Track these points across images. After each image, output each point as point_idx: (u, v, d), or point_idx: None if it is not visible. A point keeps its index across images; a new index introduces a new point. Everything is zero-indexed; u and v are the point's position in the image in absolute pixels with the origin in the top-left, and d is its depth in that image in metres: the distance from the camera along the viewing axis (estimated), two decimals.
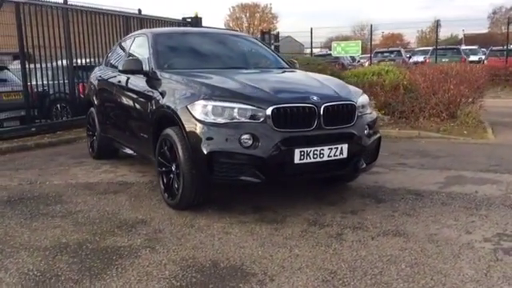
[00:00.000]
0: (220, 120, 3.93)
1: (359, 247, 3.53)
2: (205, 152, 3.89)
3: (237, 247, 3.54)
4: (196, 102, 4.04)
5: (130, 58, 5.39)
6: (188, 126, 4.03)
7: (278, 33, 20.28)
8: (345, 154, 4.15)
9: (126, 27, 10.99)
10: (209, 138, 3.91)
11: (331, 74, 10.18)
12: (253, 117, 3.93)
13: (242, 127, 3.90)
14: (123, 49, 6.11)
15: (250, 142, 3.87)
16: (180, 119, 4.10)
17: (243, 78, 4.50)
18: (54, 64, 9.71)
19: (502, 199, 4.64)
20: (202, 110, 3.98)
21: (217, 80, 4.43)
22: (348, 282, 3.01)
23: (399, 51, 25.24)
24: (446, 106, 9.62)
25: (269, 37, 18.34)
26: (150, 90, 4.76)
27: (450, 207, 4.43)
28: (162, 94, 4.49)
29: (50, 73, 9.62)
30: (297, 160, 3.94)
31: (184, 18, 13.53)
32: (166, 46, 5.29)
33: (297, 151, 3.93)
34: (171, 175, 4.35)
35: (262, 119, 3.92)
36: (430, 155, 6.83)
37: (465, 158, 6.61)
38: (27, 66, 8.83)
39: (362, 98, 4.59)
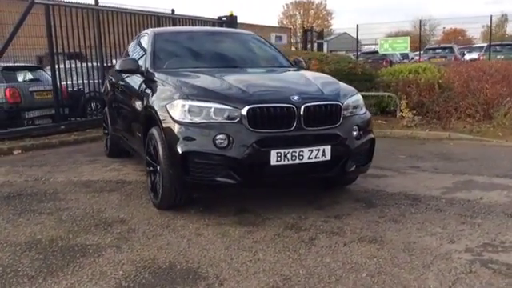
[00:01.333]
0: (196, 120, 3.90)
1: (326, 253, 3.40)
2: (180, 152, 3.87)
3: (201, 249, 3.49)
4: (174, 102, 4.03)
5: (127, 57, 5.45)
6: (166, 126, 4.02)
7: (323, 30, 20.06)
8: (328, 156, 4.01)
9: (157, 26, 11.14)
10: (184, 138, 3.89)
11: (361, 73, 9.95)
12: (229, 117, 3.87)
13: (217, 127, 3.84)
14: (131, 49, 6.20)
15: (226, 143, 3.81)
16: (159, 118, 4.11)
17: (232, 77, 4.44)
18: (89, 64, 10.02)
19: (505, 207, 4.34)
20: (179, 109, 3.96)
21: (202, 80, 4.40)
22: (292, 285, 2.90)
23: (451, 48, 24.19)
24: (481, 106, 9.13)
25: (311, 34, 18.16)
26: (144, 89, 4.79)
27: (443, 214, 4.19)
28: (151, 94, 4.51)
29: (84, 72, 9.92)
30: (273, 162, 3.84)
31: (220, 17, 13.59)
32: (164, 46, 5.32)
33: (273, 152, 3.83)
34: (157, 175, 4.35)
35: (237, 119, 3.85)
36: (451, 158, 6.50)
37: (488, 161, 6.24)
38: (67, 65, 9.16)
39: (353, 98, 4.42)
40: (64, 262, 3.29)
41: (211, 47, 5.48)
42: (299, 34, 54.42)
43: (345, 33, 49.57)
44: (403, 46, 18.99)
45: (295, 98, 3.97)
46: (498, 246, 3.49)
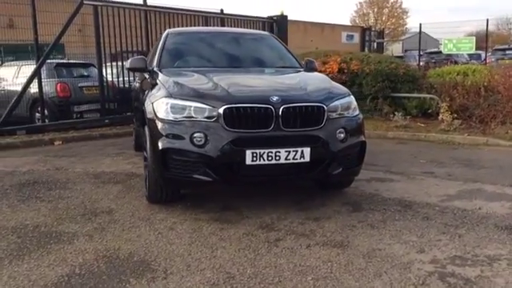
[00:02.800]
0: (177, 118, 4.02)
1: (284, 255, 3.41)
2: (160, 148, 4.02)
3: (166, 243, 3.62)
4: (159, 100, 4.18)
5: (137, 56, 5.68)
6: (151, 123, 4.19)
7: (383, 29, 19.56)
8: (307, 158, 4.00)
9: (205, 26, 11.40)
10: (165, 135, 4.03)
11: (404, 74, 9.67)
12: (208, 116, 3.96)
13: (195, 126, 3.95)
14: (154, 48, 6.43)
15: (203, 141, 3.91)
16: (146, 116, 4.27)
17: (223, 77, 4.52)
18: None
19: (500, 219, 4.13)
20: (162, 107, 4.10)
21: (191, 79, 4.52)
22: (233, 285, 2.96)
23: None
24: None
25: (369, 33, 17.77)
26: (147, 87, 4.99)
27: (427, 223, 4.05)
28: (149, 92, 4.69)
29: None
30: (249, 161, 3.89)
31: (270, 17, 13.67)
32: (173, 46, 5.49)
33: (248, 152, 3.88)
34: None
35: (215, 118, 3.93)
36: (474, 165, 6.21)
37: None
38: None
39: (342, 101, 4.37)
40: (35, 247, 3.53)
41: (220, 48, 5.59)
42: (372, 33, 53.21)
43: (422, 32, 47.84)
44: (468, 46, 18.11)
45: (274, 98, 3.99)
46: (469, 260, 3.34)
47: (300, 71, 5.30)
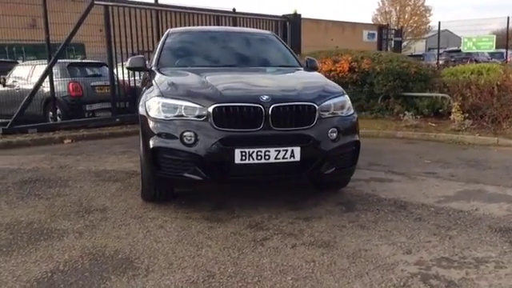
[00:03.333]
0: (168, 117, 4.05)
1: (268, 254, 3.41)
2: (151, 147, 4.05)
3: (153, 241, 3.65)
4: (151, 99, 4.22)
5: (136, 55, 5.72)
6: (143, 121, 4.22)
7: (401, 28, 19.31)
8: (297, 158, 3.98)
9: (217, 25, 11.44)
10: (156, 134, 4.05)
11: (415, 73, 9.55)
12: (198, 115, 3.97)
13: (185, 125, 3.97)
14: (156, 46, 6.48)
15: (192, 140, 3.92)
16: (140, 114, 4.31)
17: (216, 77, 4.55)
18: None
19: (495, 221, 4.05)
20: (154, 106, 4.14)
21: (185, 79, 4.54)
22: (214, 285, 2.96)
23: None
24: None
25: (386, 32, 17.58)
26: (145, 86, 5.03)
27: (419, 224, 4.00)
28: (145, 91, 4.73)
29: None
30: (238, 160, 3.89)
31: (284, 16, 13.64)
32: (172, 45, 5.52)
33: (237, 151, 3.88)
34: None
35: (204, 117, 3.94)
36: (481, 165, 6.10)
37: None
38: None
39: (336, 100, 4.34)
40: (25, 244, 3.60)
41: (219, 47, 5.60)
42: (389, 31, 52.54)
43: (446, 30, 47.17)
44: (488, 44, 17.78)
45: (264, 98, 3.98)
46: (455, 262, 3.29)
47: (299, 70, 5.27)
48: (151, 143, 4.04)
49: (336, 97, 4.39)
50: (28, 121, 9.16)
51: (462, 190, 4.96)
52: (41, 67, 9.48)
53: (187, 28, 7.28)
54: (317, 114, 4.09)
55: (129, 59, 5.46)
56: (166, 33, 5.81)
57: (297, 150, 3.97)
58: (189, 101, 4.03)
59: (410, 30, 53.91)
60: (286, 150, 3.95)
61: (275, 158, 3.94)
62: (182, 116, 4.01)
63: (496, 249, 3.48)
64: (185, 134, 3.92)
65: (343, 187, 4.93)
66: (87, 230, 3.89)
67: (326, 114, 4.21)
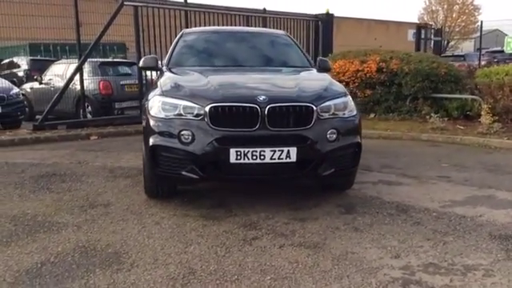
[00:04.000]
0: (168, 116, 4.13)
1: (254, 253, 3.43)
2: (150, 144, 4.14)
3: (145, 237, 3.73)
4: (153, 98, 4.32)
5: (150, 55, 5.84)
6: (145, 120, 4.32)
7: (441, 27, 18.82)
8: (293, 158, 3.98)
9: (246, 25, 11.50)
10: (156, 132, 4.15)
11: (445, 73, 9.35)
12: (196, 114, 4.04)
13: (183, 124, 4.04)
14: None
15: (190, 139, 3.99)
16: (143, 112, 4.41)
17: (219, 77, 4.63)
18: None
19: (497, 228, 3.94)
20: (155, 105, 4.23)
21: (189, 79, 4.62)
22: (192, 282, 3.01)
23: None
24: None
25: (425, 32, 17.16)
26: (154, 86, 5.15)
27: (416, 228, 3.93)
28: (152, 90, 4.83)
29: None
30: (233, 160, 3.93)
31: (316, 15, 13.57)
32: (185, 45, 5.61)
33: (232, 151, 3.92)
34: None
35: (201, 117, 4.00)
36: (498, 171, 5.92)
37: None
38: None
39: (336, 101, 4.31)
40: (25, 235, 3.76)
41: (228, 47, 5.64)
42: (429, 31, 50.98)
43: (496, 29, 45.66)
44: None
45: (261, 98, 4.00)
46: (443, 268, 3.22)
47: (308, 71, 5.25)
48: (151, 141, 4.14)
49: (337, 98, 4.36)
50: (62, 118, 9.52)
51: (472, 195, 4.82)
52: (74, 66, 9.81)
53: (201, 28, 7.36)
54: (314, 115, 4.07)
55: (142, 59, 5.57)
56: (180, 33, 5.91)
57: (293, 150, 3.97)
58: (188, 100, 4.10)
59: (457, 30, 52.32)
60: (282, 151, 3.95)
61: (271, 158, 3.95)
62: (181, 115, 4.08)
63: (489, 257, 3.38)
64: (182, 132, 3.99)
65: (348, 189, 4.88)
66: (86, 224, 4.01)
67: (326, 115, 4.19)
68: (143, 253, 3.44)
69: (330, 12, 13.61)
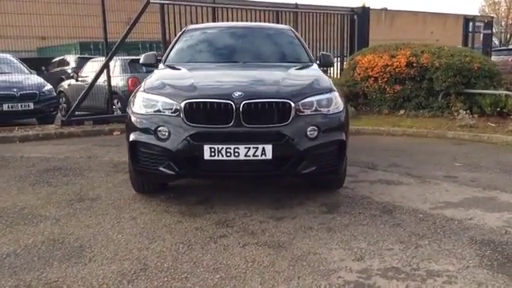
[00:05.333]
0: (148, 112, 4.16)
1: (214, 251, 3.40)
2: (130, 140, 4.19)
3: (115, 232, 3.78)
4: (136, 94, 4.36)
5: (150, 52, 5.89)
6: (128, 116, 4.37)
7: (492, 19, 17.84)
8: (269, 155, 3.92)
9: (276, 21, 11.42)
10: (135, 128, 4.19)
11: (479, 68, 8.95)
12: (173, 110, 4.04)
13: (160, 120, 4.06)
14: None
15: (166, 135, 4.01)
16: (127, 109, 4.47)
17: (203, 73, 4.71)
18: None
19: (483, 232, 3.72)
20: (137, 101, 4.28)
21: (175, 75, 4.67)
22: (140, 278, 3.02)
23: None
24: None
25: (473, 24, 16.34)
26: None
27: (394, 230, 3.77)
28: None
29: None
30: (207, 156, 3.91)
31: (352, 9, 13.28)
32: (184, 41, 5.63)
33: (206, 147, 3.90)
34: None
35: (177, 113, 4.01)
36: None
37: None
38: None
39: (319, 97, 4.19)
40: (5, 227, 3.90)
41: (225, 43, 5.59)
42: (503, 23, 48.86)
43: None
44: None
45: (236, 94, 3.95)
46: (403, 273, 3.07)
47: (304, 66, 5.13)
48: (131, 137, 4.19)
49: (321, 94, 4.24)
50: (95, 114, 9.83)
51: (471, 197, 4.57)
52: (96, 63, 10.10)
53: (203, 24, 7.33)
54: (292, 112, 3.98)
55: (143, 55, 5.64)
56: (182, 30, 5.93)
57: (268, 147, 3.90)
58: (166, 96, 4.11)
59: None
60: (257, 148, 3.89)
61: (245, 156, 3.90)
62: (160, 111, 4.09)
63: (459, 262, 3.19)
64: (159, 129, 4.01)
65: (338, 188, 4.75)
66: (66, 217, 4.11)
67: (308, 112, 4.09)
68: (106, 248, 3.48)
69: (367, 5, 13.25)
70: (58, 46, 19.21)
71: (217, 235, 3.69)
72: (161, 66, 5.24)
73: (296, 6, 11.95)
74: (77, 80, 11.52)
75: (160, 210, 4.28)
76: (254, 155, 3.90)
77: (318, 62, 5.48)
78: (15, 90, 9.38)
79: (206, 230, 3.81)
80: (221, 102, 3.93)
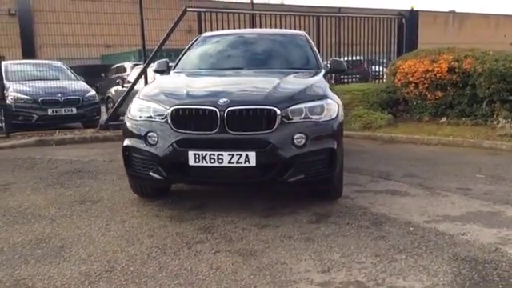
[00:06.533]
0: (142, 117, 4.28)
1: (184, 257, 3.43)
2: (123, 145, 4.32)
3: (99, 234, 3.90)
4: (133, 100, 4.49)
5: (163, 59, 6.01)
6: (123, 121, 4.51)
7: None
8: (252, 163, 3.91)
9: (317, 27, 11.34)
10: (129, 133, 4.32)
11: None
12: (162, 116, 4.13)
13: (151, 126, 4.16)
14: None
15: (155, 141, 4.10)
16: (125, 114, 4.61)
17: (199, 79, 4.81)
18: None
19: (469, 249, 3.52)
20: (133, 107, 4.41)
21: (173, 81, 4.76)
22: (102, 280, 3.10)
23: None
24: None
25: None
26: None
27: (375, 242, 3.64)
28: None
29: None
30: (192, 162, 3.96)
31: (400, 12, 12.93)
32: (195, 48, 5.73)
33: (191, 153, 3.95)
34: None
35: (165, 119, 4.09)
36: None
37: None
38: None
39: (309, 104, 4.13)
40: (4, 225, 4.13)
41: (236, 50, 5.64)
42: None
43: None
44: None
45: (222, 101, 3.97)
46: None
47: (308, 73, 5.05)
48: (125, 142, 4.32)
49: (313, 101, 4.18)
50: None
51: (475, 211, 4.32)
52: (149, 69, 10.40)
53: (218, 32, 7.37)
54: (278, 119, 3.95)
55: (156, 62, 5.79)
56: (196, 37, 6.03)
57: (252, 154, 3.89)
58: (157, 103, 4.20)
59: None
60: (240, 155, 3.89)
61: (229, 162, 3.91)
62: (151, 117, 4.19)
63: (430, 280, 3.04)
64: (149, 134, 4.11)
65: (337, 197, 4.65)
66: (62, 218, 4.29)
67: (297, 119, 4.05)
68: (84, 249, 3.60)
69: (416, 8, 12.86)
70: (119, 53, 20.05)
71: (194, 241, 3.71)
72: (171, 72, 5.35)
73: (339, 10, 11.78)
74: (122, 86, 11.94)
75: (151, 213, 4.36)
76: (237, 162, 3.90)
77: (328, 68, 5.39)
78: (59, 95, 9.88)
79: (187, 235, 3.84)
80: (205, 109, 3.97)
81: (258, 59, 5.43)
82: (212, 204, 4.57)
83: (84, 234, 3.91)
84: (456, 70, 9.30)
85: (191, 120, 4.00)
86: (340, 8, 11.90)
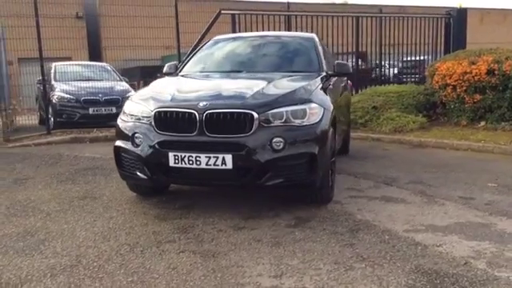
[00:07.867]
0: (130, 119, 4.45)
1: (148, 256, 3.52)
2: (114, 145, 4.52)
3: (82, 230, 4.09)
4: (127, 102, 4.68)
5: (174, 62, 6.15)
6: (117, 122, 4.70)
7: None
8: (229, 165, 3.98)
9: (356, 28, 11.17)
10: (120, 134, 4.50)
11: None
12: (148, 118, 4.28)
13: (138, 127, 4.32)
14: None
15: (140, 141, 4.26)
16: None
17: (191, 82, 4.96)
18: None
19: (437, 261, 3.41)
20: (125, 108, 4.60)
21: (167, 84, 4.89)
22: (63, 273, 3.27)
23: None
24: None
25: None
26: None
27: (340, 249, 3.60)
28: None
29: None
30: (172, 163, 4.09)
31: (448, 12, 12.47)
32: (202, 52, 5.85)
33: (171, 154, 4.07)
34: None
35: (150, 121, 4.24)
36: None
37: None
38: None
39: (291, 108, 4.13)
40: (4, 217, 4.43)
41: (237, 53, 5.71)
42: None
43: None
44: None
45: (201, 104, 4.07)
46: None
47: (305, 75, 5.02)
48: (116, 142, 4.50)
49: (295, 105, 4.17)
50: None
51: (465, 221, 4.15)
52: None
53: (229, 35, 7.40)
54: (255, 122, 3.98)
55: (166, 65, 5.95)
56: (207, 40, 6.14)
57: (228, 157, 3.95)
58: (145, 105, 4.35)
59: None
60: (217, 157, 3.97)
61: (206, 164, 3.99)
62: (139, 119, 4.36)
63: None
64: (136, 135, 4.27)
65: (326, 202, 4.61)
66: (57, 213, 4.54)
67: (277, 122, 4.06)
68: (62, 243, 3.80)
69: (464, 6, 12.33)
70: (170, 55, 20.70)
71: (166, 240, 3.82)
72: (176, 74, 5.50)
73: (380, 10, 11.53)
74: None
75: (140, 211, 4.52)
76: (214, 164, 3.97)
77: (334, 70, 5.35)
78: (100, 95, 10.35)
79: (162, 234, 3.95)
80: (185, 112, 4.07)
81: (258, 62, 5.48)
82: (202, 204, 4.66)
83: (69, 228, 4.11)
84: (496, 72, 8.86)
85: (173, 122, 4.11)
86: (381, 8, 11.59)
